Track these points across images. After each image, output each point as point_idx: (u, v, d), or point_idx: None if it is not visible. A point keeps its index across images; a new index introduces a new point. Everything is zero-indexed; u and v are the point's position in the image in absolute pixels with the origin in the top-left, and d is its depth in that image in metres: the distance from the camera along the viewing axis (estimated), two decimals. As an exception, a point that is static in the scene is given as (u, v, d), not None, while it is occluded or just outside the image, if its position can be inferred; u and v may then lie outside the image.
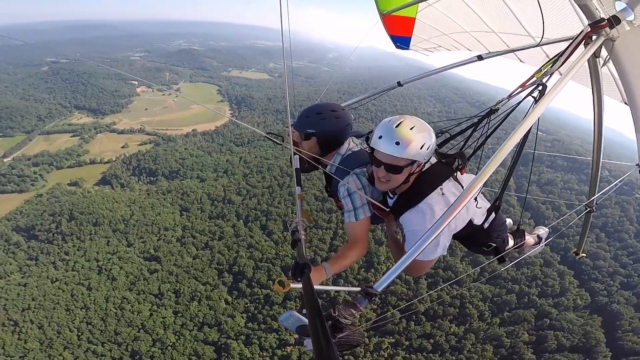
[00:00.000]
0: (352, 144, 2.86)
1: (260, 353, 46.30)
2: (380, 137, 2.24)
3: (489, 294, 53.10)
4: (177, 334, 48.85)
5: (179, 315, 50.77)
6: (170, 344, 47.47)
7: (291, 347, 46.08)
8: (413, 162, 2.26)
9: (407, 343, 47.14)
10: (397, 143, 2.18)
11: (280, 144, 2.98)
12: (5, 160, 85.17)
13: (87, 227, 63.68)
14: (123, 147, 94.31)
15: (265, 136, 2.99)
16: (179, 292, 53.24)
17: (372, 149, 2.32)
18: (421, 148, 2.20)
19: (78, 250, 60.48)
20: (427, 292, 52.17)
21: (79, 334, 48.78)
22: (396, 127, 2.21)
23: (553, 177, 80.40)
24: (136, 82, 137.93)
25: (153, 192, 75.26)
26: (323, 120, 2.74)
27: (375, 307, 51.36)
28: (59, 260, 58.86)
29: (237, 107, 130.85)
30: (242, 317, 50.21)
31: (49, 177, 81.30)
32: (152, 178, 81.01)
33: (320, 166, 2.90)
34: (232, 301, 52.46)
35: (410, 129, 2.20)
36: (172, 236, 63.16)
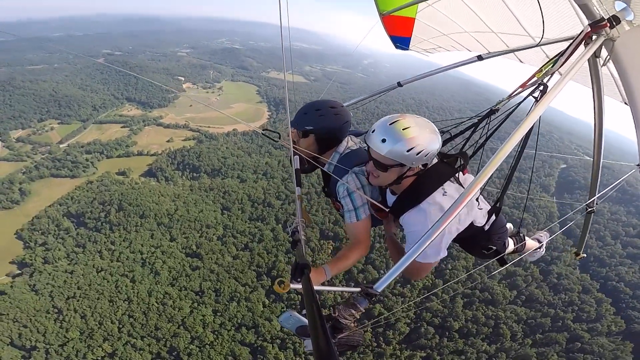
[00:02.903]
0: (350, 143, 2.82)
1: (294, 358, 47.01)
2: (373, 131, 2.18)
3: (524, 316, 52.86)
4: (216, 333, 49.79)
5: (218, 314, 51.79)
6: (209, 342, 48.36)
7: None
8: (401, 164, 2.16)
9: (438, 358, 47.43)
10: (384, 140, 2.11)
11: (276, 141, 2.87)
12: (61, 146, 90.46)
13: (134, 219, 65.94)
14: (168, 141, 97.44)
15: (262, 133, 2.92)
16: (219, 291, 54.30)
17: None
18: (408, 151, 2.08)
19: (124, 240, 62.38)
20: (462, 310, 52.95)
21: (120, 326, 49.68)
22: (390, 124, 2.12)
23: (599, 208, 75.76)
24: (182, 78, 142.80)
25: (196, 188, 77.22)
26: (322, 117, 2.67)
27: (410, 321, 51.69)
28: (105, 249, 60.70)
29: (275, 109, 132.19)
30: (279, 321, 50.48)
31: (100, 165, 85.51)
32: (195, 174, 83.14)
33: (318, 165, 2.82)
34: (269, 304, 53.12)
35: (404, 129, 2.08)
36: (214, 234, 64.47)
